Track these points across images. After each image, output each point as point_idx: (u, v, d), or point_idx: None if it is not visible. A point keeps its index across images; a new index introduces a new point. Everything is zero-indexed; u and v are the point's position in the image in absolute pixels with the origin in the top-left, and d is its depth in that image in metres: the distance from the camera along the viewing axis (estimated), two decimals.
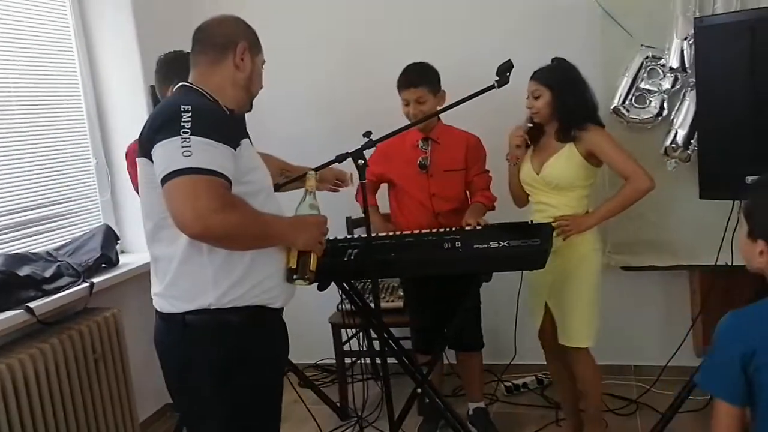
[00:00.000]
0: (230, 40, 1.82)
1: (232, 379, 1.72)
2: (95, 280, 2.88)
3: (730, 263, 2.74)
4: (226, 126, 1.69)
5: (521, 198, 2.83)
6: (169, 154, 1.58)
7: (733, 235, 2.62)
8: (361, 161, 2.29)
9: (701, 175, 2.64)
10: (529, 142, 2.71)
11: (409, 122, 2.79)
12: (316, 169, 2.16)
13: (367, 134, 2.38)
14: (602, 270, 2.71)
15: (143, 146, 1.68)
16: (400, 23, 3.58)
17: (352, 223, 3.50)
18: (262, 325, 1.77)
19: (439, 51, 3.13)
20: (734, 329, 1.44)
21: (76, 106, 3.27)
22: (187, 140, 1.57)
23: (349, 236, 3.01)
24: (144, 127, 1.71)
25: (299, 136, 3.67)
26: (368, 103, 3.49)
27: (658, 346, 3.38)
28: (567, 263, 2.63)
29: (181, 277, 1.71)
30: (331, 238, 2.58)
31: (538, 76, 2.63)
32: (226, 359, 1.71)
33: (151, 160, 1.63)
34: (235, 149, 1.66)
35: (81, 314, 2.84)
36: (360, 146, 2.31)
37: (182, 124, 1.59)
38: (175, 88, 1.84)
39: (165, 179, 1.57)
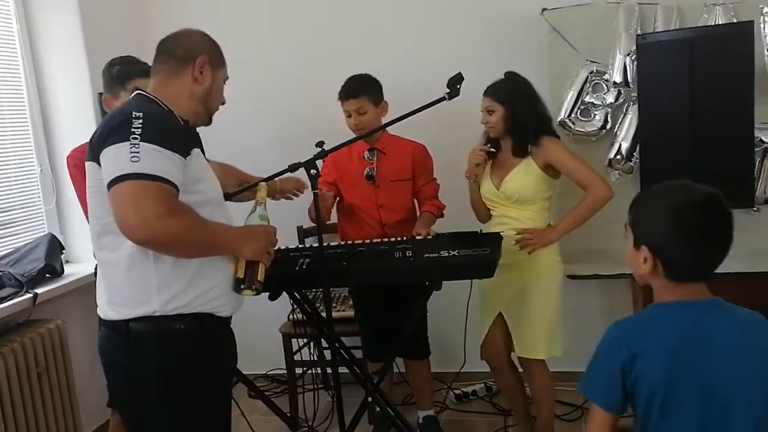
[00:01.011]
0: (191, 52, 1.82)
1: (177, 387, 1.71)
2: (39, 290, 2.81)
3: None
4: (177, 134, 1.69)
5: (483, 213, 2.87)
6: (117, 158, 1.58)
7: None
8: (313, 171, 2.30)
9: (643, 186, 2.73)
10: (488, 157, 2.76)
11: (353, 134, 2.82)
12: (266, 180, 2.18)
13: (320, 144, 2.40)
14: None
15: (93, 150, 1.68)
16: (352, 34, 3.60)
17: (303, 233, 3.50)
18: (209, 333, 1.76)
19: (389, 63, 3.17)
20: (617, 339, 1.47)
21: (20, 111, 3.20)
22: (136, 146, 1.57)
23: (301, 246, 3.01)
24: (95, 131, 1.70)
25: (251, 146, 3.66)
26: (320, 113, 3.49)
27: None
28: (527, 276, 2.67)
29: (125, 284, 1.70)
30: (282, 247, 2.58)
31: (491, 91, 2.67)
32: (170, 367, 1.70)
33: (100, 164, 1.63)
34: (185, 158, 1.66)
35: (24, 326, 2.76)
36: (312, 156, 2.32)
37: (132, 129, 1.59)
38: (131, 96, 1.84)
39: (111, 183, 1.57)
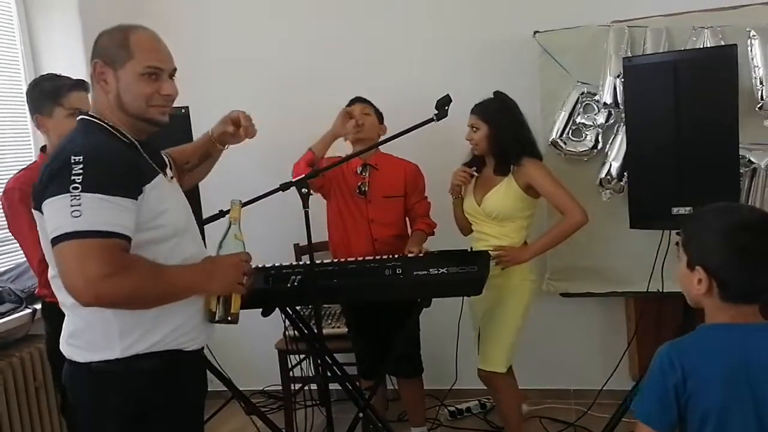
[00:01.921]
0: (91, 62, 1.67)
1: (142, 427, 1.63)
2: (38, 306, 2.86)
3: (660, 290, 2.88)
4: (126, 172, 1.55)
5: (466, 228, 2.94)
6: (57, 214, 1.46)
7: (663, 262, 2.78)
8: (304, 190, 2.35)
9: (631, 206, 2.77)
10: (475, 172, 2.82)
11: (351, 144, 2.94)
12: (245, 204, 2.05)
13: (311, 164, 2.45)
14: (540, 297, 2.82)
15: (35, 197, 1.56)
16: (346, 57, 3.67)
17: (299, 250, 3.55)
18: (177, 369, 1.67)
19: (383, 85, 3.23)
20: (669, 358, 1.48)
21: (21, 126, 3.28)
22: (77, 197, 1.45)
23: (293, 263, 3.06)
24: (40, 172, 1.58)
25: (243, 166, 3.71)
26: (312, 134, 3.54)
27: (597, 370, 3.49)
28: (499, 292, 2.75)
29: (85, 329, 1.62)
30: (276, 264, 2.63)
31: (478, 109, 2.75)
32: (135, 406, 1.62)
33: (43, 213, 1.52)
34: (137, 197, 1.54)
35: (22, 341, 2.82)
36: (304, 175, 2.38)
37: (72, 178, 1.46)
38: (78, 118, 1.69)
39: (54, 241, 1.46)
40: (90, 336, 1.61)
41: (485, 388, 3.02)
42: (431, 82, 3.32)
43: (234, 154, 3.72)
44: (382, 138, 2.90)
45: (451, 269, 2.43)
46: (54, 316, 2.36)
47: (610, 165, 3.21)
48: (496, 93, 2.80)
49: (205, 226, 2.48)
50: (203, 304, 1.73)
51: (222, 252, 1.79)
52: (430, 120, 2.47)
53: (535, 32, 3.30)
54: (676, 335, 1.54)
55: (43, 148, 2.48)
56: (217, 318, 1.73)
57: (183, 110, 3.04)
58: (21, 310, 2.80)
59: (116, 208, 1.48)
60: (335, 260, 2.70)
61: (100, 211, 1.46)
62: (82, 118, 1.67)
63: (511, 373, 2.90)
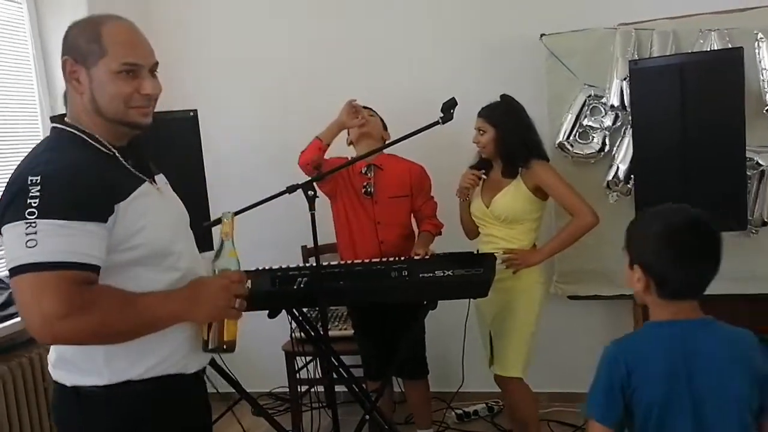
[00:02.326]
0: (62, 59, 1.49)
1: None
2: None
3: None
4: (93, 192, 1.37)
5: (472, 231, 2.94)
6: (12, 243, 1.32)
7: None
8: (311, 192, 2.37)
9: (637, 207, 2.77)
10: (484, 175, 2.82)
11: (354, 141, 2.97)
12: (237, 213, 1.94)
13: (317, 167, 2.47)
14: (549, 300, 2.82)
15: None
16: (352, 60, 3.69)
17: (307, 252, 3.56)
18: (173, 393, 1.52)
19: (389, 88, 3.25)
20: (614, 356, 1.54)
21: (33, 129, 3.31)
22: (32, 225, 1.29)
23: (300, 265, 3.07)
24: None
25: (250, 168, 3.74)
26: (314, 131, 3.58)
27: None
28: (509, 295, 2.73)
29: (69, 353, 1.46)
30: (283, 266, 2.65)
31: (485, 113, 2.75)
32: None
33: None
34: (106, 219, 1.37)
35: (33, 342, 2.82)
36: (310, 178, 2.39)
37: (28, 202, 1.30)
38: (51, 126, 1.54)
39: (10, 273, 1.32)
40: (75, 361, 1.46)
41: (492, 390, 3.03)
42: (437, 85, 3.33)
43: (240, 155, 3.81)
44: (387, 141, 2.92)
45: (456, 271, 2.44)
46: None
47: (617, 167, 3.21)
48: (503, 96, 2.80)
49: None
50: (197, 330, 1.56)
51: (216, 270, 1.58)
52: (436, 123, 2.49)
53: (542, 35, 3.31)
54: None
55: None
56: (210, 347, 1.54)
57: (192, 113, 3.06)
58: None
59: (78, 234, 1.32)
60: (341, 262, 2.71)
61: (59, 240, 1.30)
62: (54, 127, 1.50)
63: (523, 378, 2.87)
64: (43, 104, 3.36)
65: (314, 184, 2.41)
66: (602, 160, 3.28)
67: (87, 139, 1.47)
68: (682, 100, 2.59)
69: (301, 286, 2.49)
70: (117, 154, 1.50)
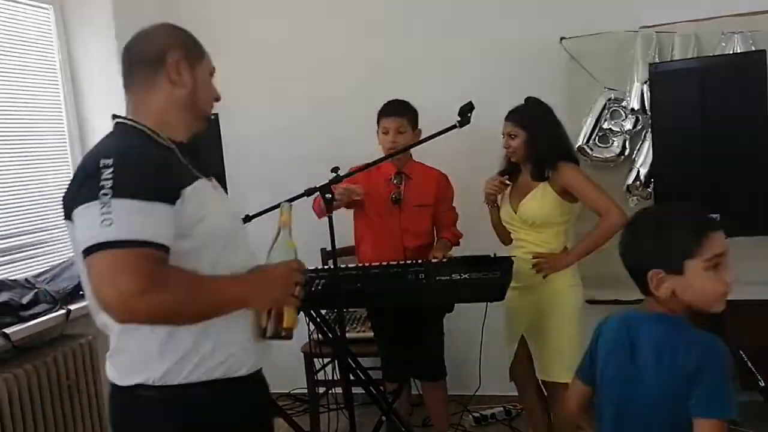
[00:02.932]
0: (160, 53, 1.54)
1: None
2: (72, 307, 2.93)
3: None
4: (162, 175, 1.41)
5: (504, 236, 2.92)
6: (87, 223, 1.34)
7: None
8: (328, 195, 2.39)
9: None
10: (508, 181, 2.81)
11: (383, 152, 2.92)
12: (254, 216, 2.05)
13: (335, 170, 2.49)
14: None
15: (66, 206, 1.45)
16: (375, 63, 3.71)
17: (326, 255, 3.59)
18: (226, 397, 1.51)
19: (410, 92, 3.25)
20: (598, 326, 1.72)
21: (59, 135, 3.37)
22: (107, 205, 1.32)
23: (318, 267, 3.10)
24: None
25: (275, 168, 3.77)
26: (342, 141, 3.61)
27: None
28: (543, 300, 2.72)
29: (123, 348, 1.49)
30: None
31: (514, 117, 2.73)
32: None
33: (73, 222, 1.40)
34: (173, 203, 1.40)
35: (57, 341, 2.89)
36: (327, 181, 2.41)
37: (101, 183, 1.33)
38: (113, 123, 1.57)
39: (85, 253, 1.34)
40: (129, 357, 1.48)
41: (509, 394, 3.02)
42: (457, 90, 3.33)
43: (260, 158, 3.84)
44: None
45: (473, 275, 2.45)
46: None
47: (638, 171, 3.20)
48: (529, 98, 2.77)
49: None
50: (252, 320, 1.55)
51: (271, 260, 1.61)
52: (453, 127, 2.49)
53: (562, 38, 3.30)
54: None
55: None
56: (268, 334, 1.56)
57: (213, 117, 3.10)
58: (56, 311, 2.87)
59: (151, 214, 1.35)
60: (359, 264, 2.73)
61: (133, 219, 1.33)
62: (118, 122, 1.55)
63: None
64: (69, 107, 3.43)
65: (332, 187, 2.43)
66: (622, 163, 3.26)
67: (148, 132, 1.51)
68: (703, 104, 2.57)
69: (319, 287, 2.51)
70: (176, 150, 1.54)
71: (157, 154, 1.48)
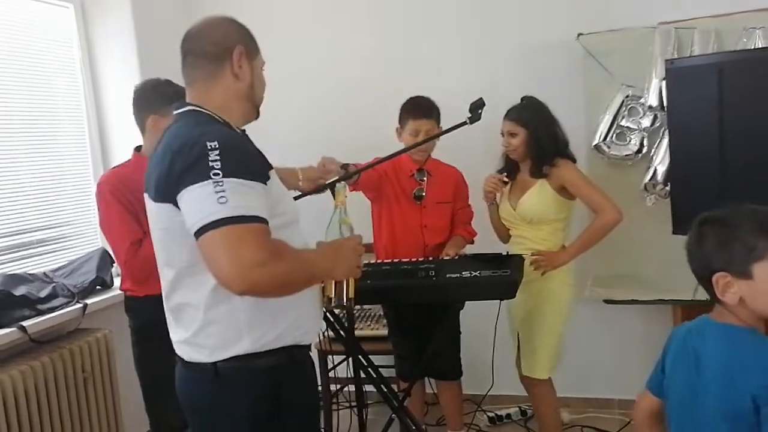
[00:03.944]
0: (224, 46, 1.62)
1: (268, 427, 1.61)
2: (89, 301, 2.98)
3: (708, 298, 2.79)
4: (256, 159, 1.54)
5: (503, 233, 2.94)
6: (201, 201, 1.39)
7: None
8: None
9: (674, 210, 2.71)
10: (506, 179, 2.81)
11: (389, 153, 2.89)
12: (342, 179, 2.23)
13: (345, 167, 2.48)
14: (577, 302, 2.79)
15: (161, 189, 1.50)
16: (393, 61, 3.70)
17: None
18: (299, 366, 1.65)
19: (427, 89, 3.23)
20: (670, 335, 1.66)
21: (78, 131, 3.42)
22: (220, 183, 1.39)
23: None
24: (156, 165, 1.54)
25: (290, 156, 3.78)
26: (358, 128, 3.61)
27: (641, 379, 3.39)
28: (537, 296, 2.73)
29: (211, 324, 1.56)
30: None
31: (514, 115, 2.74)
32: (262, 407, 1.59)
33: (176, 206, 1.47)
34: (266, 182, 1.51)
35: (73, 334, 2.93)
36: (338, 177, 2.41)
37: (211, 164, 1.40)
38: (179, 111, 1.64)
39: (200, 232, 1.39)
40: (218, 331, 1.56)
41: (522, 393, 3.01)
42: (473, 86, 3.31)
43: (285, 147, 3.84)
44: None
45: (483, 272, 2.44)
46: (137, 309, 2.49)
47: (655, 169, 3.15)
48: (526, 97, 2.80)
49: None
50: (318, 291, 1.70)
51: (331, 237, 1.75)
52: (464, 123, 2.48)
53: (579, 34, 3.26)
54: None
55: (137, 148, 2.58)
56: (334, 303, 1.71)
57: None
58: (73, 305, 2.91)
59: (255, 192, 1.44)
60: (369, 262, 2.72)
61: (244, 196, 1.41)
62: (192, 110, 1.60)
63: (550, 380, 2.86)
64: (88, 104, 3.47)
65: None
66: (640, 161, 3.21)
67: (220, 120, 1.60)
68: (721, 100, 2.51)
69: None
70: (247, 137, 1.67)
71: (247, 141, 1.61)
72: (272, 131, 3.77)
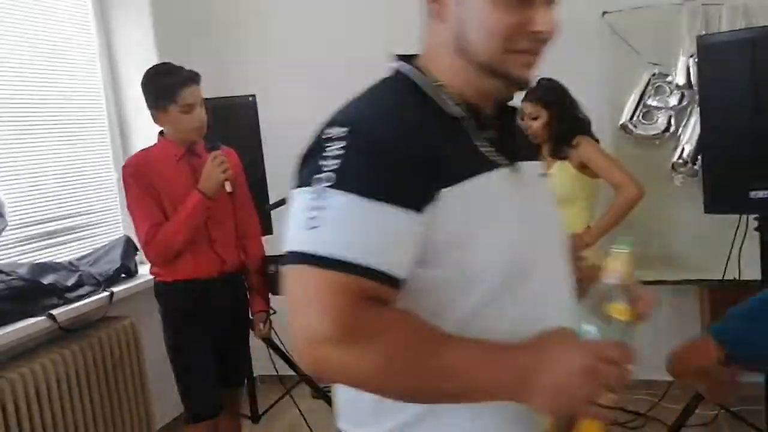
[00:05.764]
0: None
1: None
2: (114, 289, 2.98)
3: (737, 278, 2.76)
4: (410, 163, 0.93)
5: None
6: (294, 216, 0.94)
7: (741, 249, 2.67)
8: None
9: (706, 189, 2.66)
10: None
11: None
12: (279, 205, 1.82)
13: None
14: None
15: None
16: (409, 46, 3.64)
17: None
18: None
19: None
20: None
21: (99, 121, 3.40)
22: (320, 197, 0.90)
23: None
24: None
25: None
26: None
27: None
28: None
29: (341, 393, 1.10)
30: None
31: (534, 97, 2.72)
32: None
33: None
34: (421, 209, 0.92)
35: (100, 322, 2.93)
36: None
37: (320, 163, 0.92)
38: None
39: (285, 259, 0.95)
40: (346, 406, 1.10)
41: None
42: None
43: (299, 141, 3.81)
44: None
45: None
46: (165, 294, 2.50)
47: (683, 148, 3.12)
48: (543, 79, 2.75)
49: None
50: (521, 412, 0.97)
51: (583, 330, 0.97)
52: None
53: (605, 12, 3.21)
54: None
55: (161, 132, 2.53)
56: None
57: (251, 98, 3.09)
58: (99, 293, 2.91)
59: (381, 221, 0.90)
60: None
61: (353, 226, 0.90)
62: (397, 72, 1.07)
63: None
64: (108, 92, 3.45)
65: None
66: (667, 141, 3.18)
67: (428, 92, 1.02)
68: (753, 76, 2.46)
69: None
70: (466, 120, 1.02)
71: (420, 128, 0.97)
72: (290, 122, 3.78)
